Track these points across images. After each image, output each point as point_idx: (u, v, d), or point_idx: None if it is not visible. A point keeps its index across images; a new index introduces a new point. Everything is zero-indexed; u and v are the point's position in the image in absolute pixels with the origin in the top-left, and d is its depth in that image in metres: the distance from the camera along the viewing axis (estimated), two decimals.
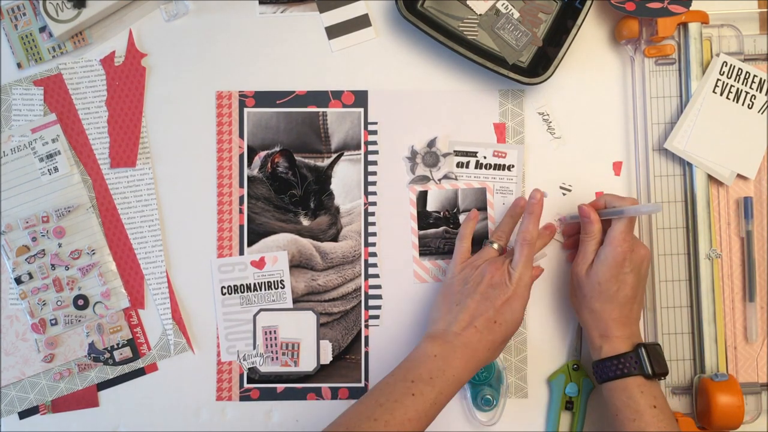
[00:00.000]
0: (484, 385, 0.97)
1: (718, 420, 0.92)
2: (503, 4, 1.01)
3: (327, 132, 1.01)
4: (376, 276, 1.00)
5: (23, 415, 0.99)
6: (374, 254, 1.01)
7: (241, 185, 1.01)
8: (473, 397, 0.98)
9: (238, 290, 1.00)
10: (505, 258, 0.93)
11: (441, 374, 0.86)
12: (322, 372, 1.00)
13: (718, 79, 0.98)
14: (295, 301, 1.00)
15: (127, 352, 1.00)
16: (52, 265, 0.99)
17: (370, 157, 1.01)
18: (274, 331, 1.00)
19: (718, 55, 0.99)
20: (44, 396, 0.99)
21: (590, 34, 1.03)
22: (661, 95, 1.00)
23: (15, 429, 0.99)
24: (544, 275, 1.00)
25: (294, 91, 1.01)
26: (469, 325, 0.89)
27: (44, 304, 0.99)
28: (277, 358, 1.00)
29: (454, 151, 1.01)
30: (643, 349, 0.89)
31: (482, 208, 1.01)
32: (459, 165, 1.01)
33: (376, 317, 1.00)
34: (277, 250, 1.00)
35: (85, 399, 0.99)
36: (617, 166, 1.02)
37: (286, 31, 1.02)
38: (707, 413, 0.93)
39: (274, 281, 1.00)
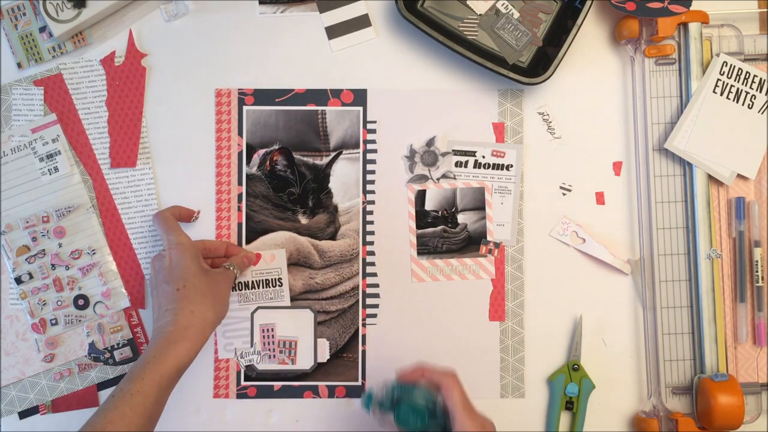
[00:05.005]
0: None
1: (719, 420, 0.91)
2: (503, 4, 1.01)
3: (326, 130, 1.01)
4: (374, 275, 1.00)
5: (23, 415, 0.99)
6: (372, 253, 1.01)
7: (240, 183, 1.01)
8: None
9: (236, 288, 1.00)
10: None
11: (147, 368, 0.84)
12: (319, 370, 1.00)
13: (718, 79, 0.98)
14: (292, 299, 1.00)
15: (127, 351, 1.00)
16: (53, 265, 0.99)
17: (369, 156, 1.01)
18: (272, 329, 1.00)
19: (718, 55, 0.99)
20: (44, 396, 0.99)
21: (590, 34, 1.02)
22: (661, 95, 1.00)
23: (15, 429, 0.99)
24: (543, 274, 1.00)
25: (293, 89, 1.01)
26: (160, 310, 0.90)
27: (44, 304, 0.99)
28: (274, 355, 1.00)
29: (453, 151, 1.01)
30: None
31: (481, 207, 1.00)
32: (457, 164, 1.01)
33: (374, 316, 1.00)
34: (275, 248, 1.00)
35: (86, 399, 0.99)
36: (617, 166, 1.01)
37: (286, 31, 1.02)
38: (707, 413, 0.92)
39: (272, 279, 1.00)
